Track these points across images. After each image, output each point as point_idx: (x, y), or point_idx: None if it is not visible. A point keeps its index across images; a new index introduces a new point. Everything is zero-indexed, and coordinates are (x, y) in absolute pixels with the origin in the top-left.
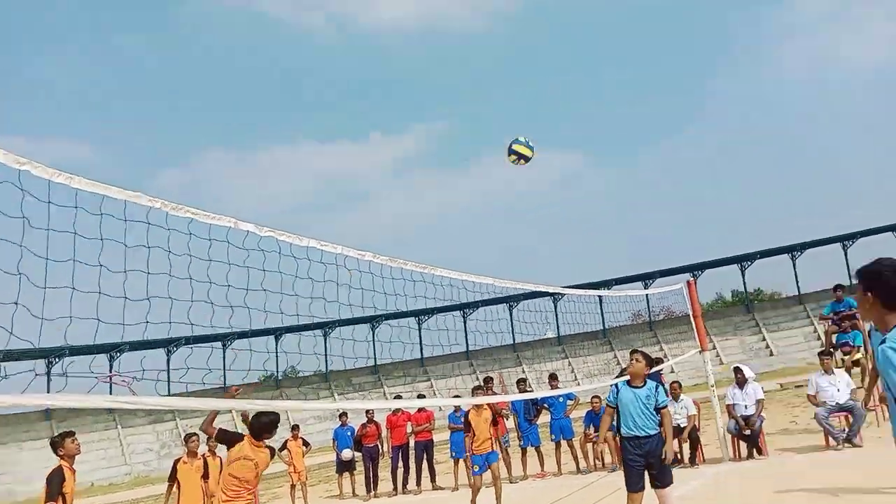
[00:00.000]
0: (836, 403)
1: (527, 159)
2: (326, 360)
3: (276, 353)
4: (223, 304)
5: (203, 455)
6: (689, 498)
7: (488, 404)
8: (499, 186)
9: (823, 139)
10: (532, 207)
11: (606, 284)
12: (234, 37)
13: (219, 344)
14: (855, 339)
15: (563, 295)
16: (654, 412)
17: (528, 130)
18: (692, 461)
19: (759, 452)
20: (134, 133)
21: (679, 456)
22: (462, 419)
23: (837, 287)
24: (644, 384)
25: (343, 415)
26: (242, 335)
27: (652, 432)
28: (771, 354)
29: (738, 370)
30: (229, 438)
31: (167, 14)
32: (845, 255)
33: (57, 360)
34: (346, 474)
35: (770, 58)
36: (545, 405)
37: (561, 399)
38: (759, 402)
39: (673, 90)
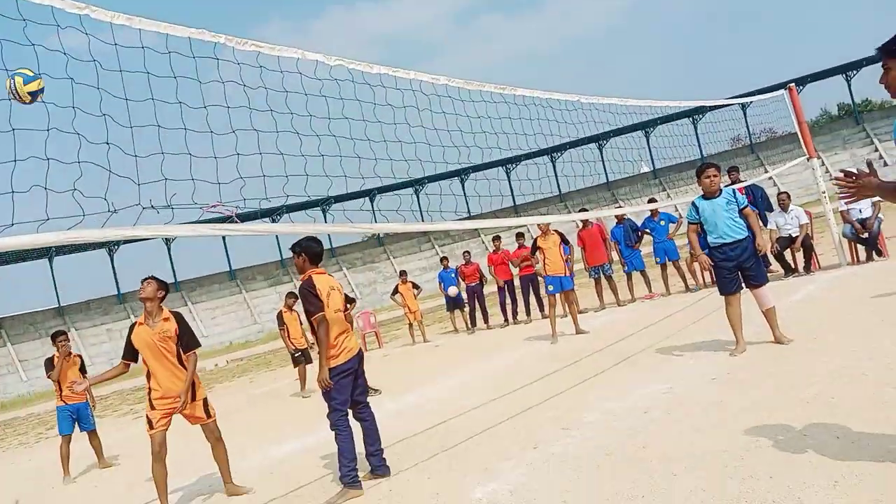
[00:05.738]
0: None
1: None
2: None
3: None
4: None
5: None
6: (808, 299)
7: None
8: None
9: None
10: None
11: (699, 112)
12: None
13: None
14: None
15: (653, 127)
16: (739, 216)
17: None
18: (807, 269)
19: (879, 254)
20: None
21: (793, 265)
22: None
23: None
24: (720, 193)
25: (444, 259)
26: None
27: (741, 236)
28: (885, 164)
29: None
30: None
31: None
32: None
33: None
34: (458, 312)
35: None
36: (646, 230)
37: (662, 222)
38: (874, 203)
39: None
